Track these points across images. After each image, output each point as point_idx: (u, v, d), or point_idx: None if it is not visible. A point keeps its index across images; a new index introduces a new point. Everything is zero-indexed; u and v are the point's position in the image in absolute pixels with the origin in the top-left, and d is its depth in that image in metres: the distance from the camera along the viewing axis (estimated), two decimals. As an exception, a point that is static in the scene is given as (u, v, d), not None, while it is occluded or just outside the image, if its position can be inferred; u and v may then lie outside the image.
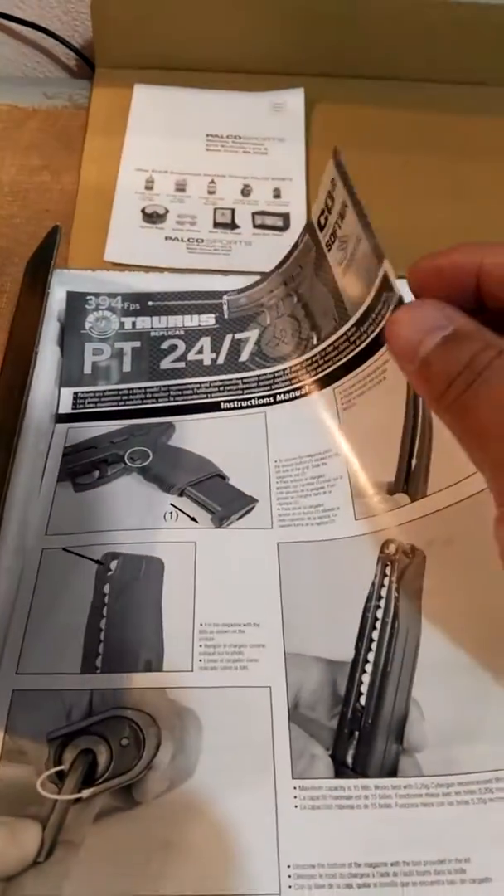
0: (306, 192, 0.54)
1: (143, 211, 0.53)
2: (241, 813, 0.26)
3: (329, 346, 0.39)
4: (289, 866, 0.25)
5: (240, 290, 0.42)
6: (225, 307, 0.41)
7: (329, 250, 0.40)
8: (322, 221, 0.40)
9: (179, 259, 0.50)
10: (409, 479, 0.34)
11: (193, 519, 0.34)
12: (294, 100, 0.59)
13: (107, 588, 0.31)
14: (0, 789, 0.26)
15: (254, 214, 0.53)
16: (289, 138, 0.58)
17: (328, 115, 0.59)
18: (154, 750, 0.27)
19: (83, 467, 0.36)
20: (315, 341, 0.39)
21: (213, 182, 0.55)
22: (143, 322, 0.41)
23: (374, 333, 0.36)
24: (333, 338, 0.39)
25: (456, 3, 0.56)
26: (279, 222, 0.53)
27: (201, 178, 0.55)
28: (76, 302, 0.40)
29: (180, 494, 0.35)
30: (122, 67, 0.59)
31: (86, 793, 0.26)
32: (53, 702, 0.28)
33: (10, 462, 0.29)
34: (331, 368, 0.39)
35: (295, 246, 0.42)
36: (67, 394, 0.38)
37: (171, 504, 0.35)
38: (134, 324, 0.40)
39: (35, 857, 0.24)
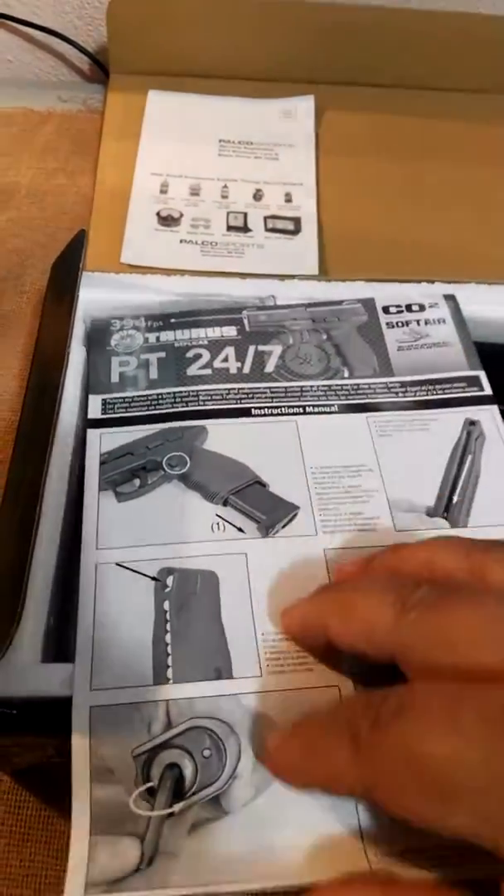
0: (316, 197, 0.56)
1: (158, 214, 0.54)
2: (325, 808, 0.27)
3: (364, 384, 0.40)
4: (375, 854, 0.26)
5: (259, 308, 0.43)
6: (245, 321, 0.42)
7: (389, 328, 0.42)
8: (393, 310, 0.42)
9: (194, 261, 0.52)
10: (449, 509, 0.35)
11: (240, 529, 0.34)
12: (304, 107, 0.61)
13: (166, 605, 0.32)
14: (97, 811, 0.27)
15: (266, 218, 0.55)
16: (299, 144, 0.59)
17: (337, 122, 0.60)
18: (236, 759, 0.28)
19: (123, 476, 0.36)
20: (346, 374, 0.40)
21: (226, 186, 0.56)
22: (166, 335, 0.41)
23: (426, 397, 0.39)
24: (370, 381, 0.40)
25: (464, 14, 0.58)
26: (290, 226, 0.54)
27: (214, 182, 0.56)
28: (101, 325, 0.41)
29: (224, 503, 0.35)
30: (137, 74, 0.61)
31: (177, 807, 0.27)
32: (132, 715, 0.29)
33: (45, 469, 0.30)
34: (364, 401, 0.39)
35: (334, 303, 0.43)
36: (96, 400, 0.38)
37: (217, 515, 0.35)
38: (158, 338, 0.41)
39: (136, 866, 0.26)
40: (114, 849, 0.26)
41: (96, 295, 0.41)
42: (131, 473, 0.36)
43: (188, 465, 0.37)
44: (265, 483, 0.36)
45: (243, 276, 0.44)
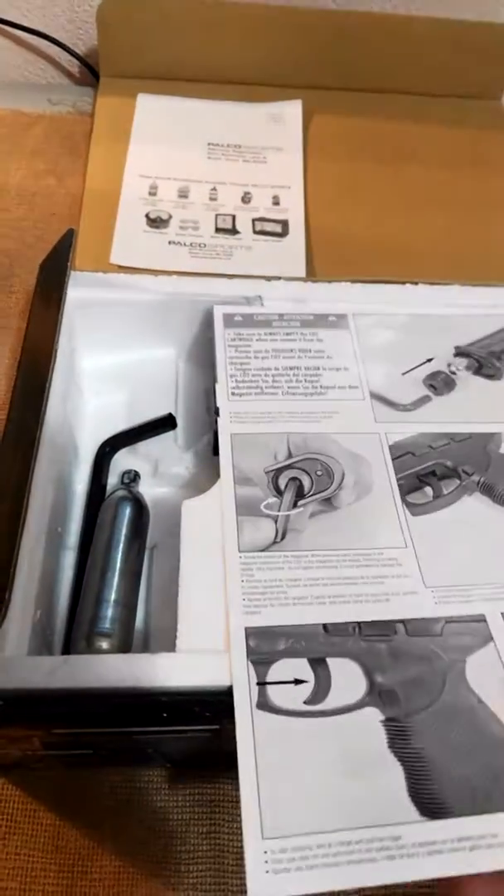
0: (304, 200, 0.56)
1: (147, 216, 0.55)
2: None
3: None
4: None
5: None
6: None
7: None
8: None
9: (182, 263, 0.52)
10: None
11: None
12: (292, 111, 0.61)
13: None
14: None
15: (254, 220, 0.55)
16: (287, 148, 0.60)
17: (325, 126, 0.61)
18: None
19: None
20: None
21: (214, 189, 0.57)
22: None
23: None
24: None
25: (449, 20, 0.59)
26: (278, 228, 0.55)
27: (203, 185, 0.57)
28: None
29: None
30: (126, 77, 0.61)
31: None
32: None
33: (32, 466, 0.31)
34: None
35: None
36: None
37: None
38: None
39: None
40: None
41: (84, 294, 0.41)
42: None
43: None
44: None
45: (231, 277, 0.45)
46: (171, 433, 0.43)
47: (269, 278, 0.45)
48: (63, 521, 0.39)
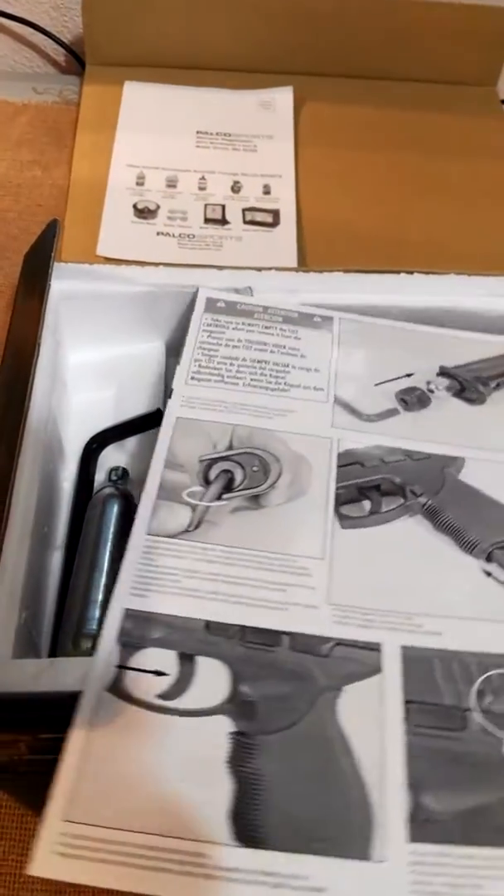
0: (295, 189, 0.55)
1: (134, 206, 0.53)
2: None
3: None
4: None
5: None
6: None
7: None
8: None
9: (171, 254, 0.51)
10: None
11: None
12: (283, 98, 0.60)
13: None
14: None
15: (244, 210, 0.54)
16: (278, 136, 0.59)
17: (316, 113, 0.60)
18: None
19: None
20: None
21: (203, 178, 0.56)
22: None
23: None
24: None
25: (441, 4, 0.58)
26: (269, 218, 0.54)
27: (192, 174, 0.56)
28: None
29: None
30: (113, 65, 0.60)
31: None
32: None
33: (15, 463, 0.30)
34: None
35: None
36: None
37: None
38: None
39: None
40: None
41: (69, 286, 0.40)
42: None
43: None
44: None
45: (220, 268, 0.44)
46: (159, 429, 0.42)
47: (259, 269, 0.44)
48: (49, 520, 0.38)
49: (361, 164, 0.57)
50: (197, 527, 0.33)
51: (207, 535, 0.33)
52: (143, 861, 0.26)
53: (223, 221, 0.53)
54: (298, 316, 0.42)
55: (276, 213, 0.54)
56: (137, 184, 0.55)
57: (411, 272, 0.44)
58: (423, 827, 0.27)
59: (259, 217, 0.54)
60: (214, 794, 0.27)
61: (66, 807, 0.26)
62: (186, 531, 0.33)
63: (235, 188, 0.55)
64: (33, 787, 0.35)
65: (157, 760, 0.28)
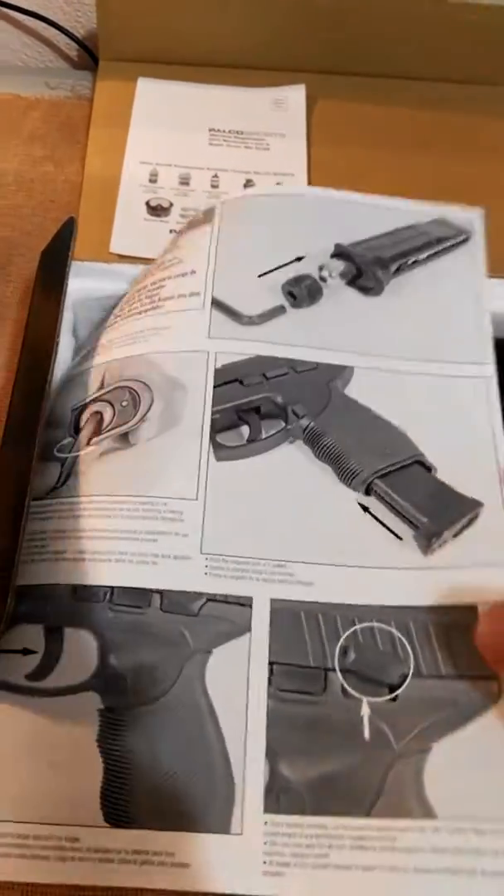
0: (308, 188, 0.55)
1: (147, 204, 0.53)
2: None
3: None
4: None
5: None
6: None
7: None
8: None
9: (184, 252, 0.51)
10: None
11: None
12: (295, 96, 0.60)
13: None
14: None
15: (257, 209, 0.54)
16: (290, 134, 0.58)
17: (329, 111, 0.60)
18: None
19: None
20: None
21: (216, 176, 0.56)
22: None
23: None
24: None
25: (458, 3, 0.57)
26: (281, 217, 0.54)
27: (204, 171, 0.56)
28: None
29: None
30: (126, 60, 0.60)
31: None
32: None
33: (34, 461, 0.30)
34: None
35: None
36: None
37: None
38: None
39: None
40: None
41: (85, 284, 0.40)
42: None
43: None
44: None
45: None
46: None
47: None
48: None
49: (374, 163, 0.57)
50: (65, 482, 0.31)
51: (77, 489, 0.30)
52: (20, 850, 0.26)
53: (236, 220, 0.53)
54: (185, 224, 0.37)
55: (288, 212, 0.54)
56: (150, 181, 0.55)
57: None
58: (277, 797, 0.27)
59: (272, 216, 0.54)
60: (86, 777, 0.27)
61: None
62: (54, 489, 0.30)
63: (248, 186, 0.55)
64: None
65: (28, 745, 0.27)
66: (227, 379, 0.31)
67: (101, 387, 0.32)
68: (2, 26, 0.62)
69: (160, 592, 0.29)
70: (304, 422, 0.30)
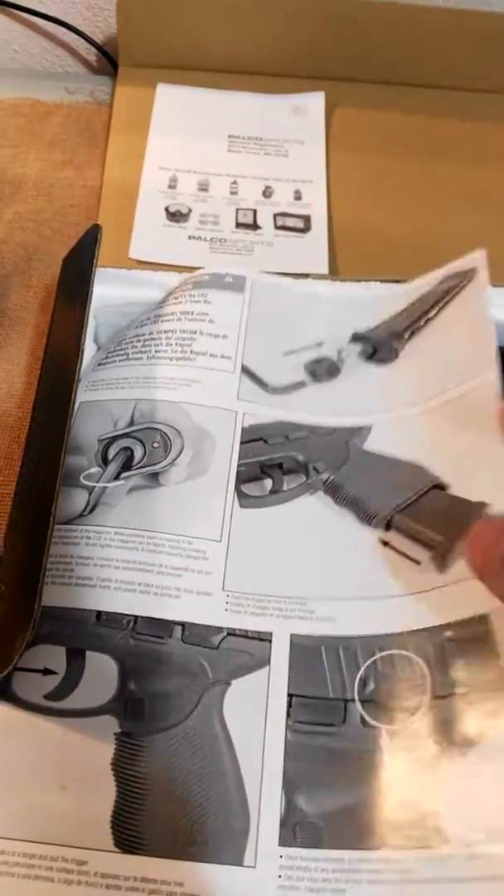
0: (327, 195, 0.55)
1: (166, 209, 0.53)
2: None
3: None
4: None
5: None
6: None
7: None
8: None
9: (202, 258, 0.51)
10: None
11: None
12: (314, 103, 0.60)
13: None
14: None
15: (275, 216, 0.54)
16: (309, 141, 0.58)
17: (348, 119, 0.60)
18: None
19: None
20: None
21: (235, 182, 0.56)
22: None
23: None
24: None
25: (476, 13, 0.57)
26: (300, 224, 0.54)
27: (223, 178, 0.56)
28: None
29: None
30: (146, 66, 0.60)
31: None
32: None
33: (60, 473, 0.30)
34: None
35: None
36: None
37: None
38: None
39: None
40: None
41: (106, 291, 0.40)
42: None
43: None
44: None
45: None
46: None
47: (295, 276, 0.44)
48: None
49: (393, 170, 0.57)
50: (92, 510, 0.32)
51: (104, 518, 0.32)
52: (25, 870, 0.26)
53: (255, 226, 0.53)
54: (209, 278, 0.39)
55: (307, 219, 0.54)
56: (170, 187, 0.55)
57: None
58: (293, 830, 0.27)
59: (290, 223, 0.54)
60: (98, 800, 0.27)
61: None
62: (81, 515, 0.32)
63: (267, 193, 0.55)
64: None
65: (42, 764, 0.27)
66: (253, 437, 0.34)
67: (131, 423, 0.35)
68: (22, 31, 0.62)
69: (182, 624, 0.30)
70: (325, 475, 0.33)
